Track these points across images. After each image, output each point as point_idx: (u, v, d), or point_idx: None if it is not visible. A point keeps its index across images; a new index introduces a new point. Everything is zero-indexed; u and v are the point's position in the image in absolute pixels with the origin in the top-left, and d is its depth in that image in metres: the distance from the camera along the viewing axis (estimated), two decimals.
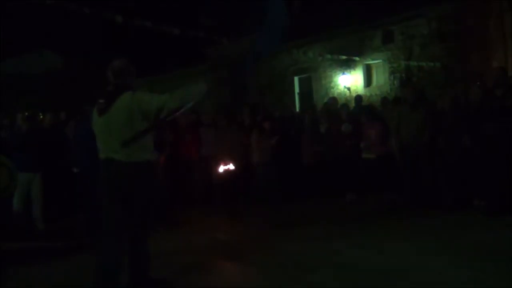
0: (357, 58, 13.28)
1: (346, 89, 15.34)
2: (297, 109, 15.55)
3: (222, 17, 18.27)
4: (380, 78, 14.99)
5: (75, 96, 18.38)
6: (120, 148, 3.33)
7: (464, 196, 6.24)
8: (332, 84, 15.93)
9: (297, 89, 17.48)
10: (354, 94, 13.01)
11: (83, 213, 6.82)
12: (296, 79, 17.41)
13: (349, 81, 15.36)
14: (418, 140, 6.49)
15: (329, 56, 13.71)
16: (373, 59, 14.35)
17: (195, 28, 9.54)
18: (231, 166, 6.97)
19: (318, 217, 6.41)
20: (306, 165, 8.00)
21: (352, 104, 10.52)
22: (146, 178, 3.45)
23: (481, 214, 5.75)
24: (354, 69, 15.16)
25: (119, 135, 3.33)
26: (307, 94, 16.80)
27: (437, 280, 3.62)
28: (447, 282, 3.57)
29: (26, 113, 7.07)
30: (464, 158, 6.19)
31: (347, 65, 14.80)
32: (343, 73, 15.39)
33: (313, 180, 7.79)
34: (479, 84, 7.15)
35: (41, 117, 7.69)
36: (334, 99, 9.74)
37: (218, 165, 7.02)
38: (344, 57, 13.06)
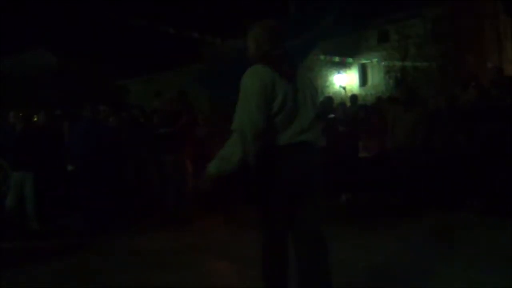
0: (350, 60, 13.31)
1: (341, 89, 15.37)
2: None
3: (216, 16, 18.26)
4: (376, 77, 15.03)
5: (69, 94, 18.33)
6: (313, 127, 2.61)
7: (458, 196, 6.25)
8: (328, 83, 15.96)
9: None
10: (349, 94, 13.04)
11: (79, 211, 6.81)
12: None
13: (345, 81, 15.40)
14: (413, 139, 6.50)
15: (322, 57, 13.74)
16: (368, 59, 14.38)
17: (190, 28, 9.52)
18: None
19: None
20: None
21: (348, 104, 10.53)
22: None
23: (475, 214, 5.77)
24: (350, 69, 15.20)
25: (311, 110, 2.62)
26: None
27: (433, 279, 3.62)
28: (443, 281, 3.57)
29: (20, 114, 7.04)
30: (458, 158, 6.21)
31: (343, 64, 14.83)
32: (339, 72, 15.43)
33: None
34: (474, 84, 7.17)
35: (35, 117, 7.65)
36: (329, 98, 9.73)
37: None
38: (337, 58, 13.08)
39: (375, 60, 14.21)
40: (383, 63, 14.15)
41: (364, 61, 14.48)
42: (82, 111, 6.79)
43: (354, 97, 9.89)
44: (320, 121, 2.70)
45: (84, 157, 6.26)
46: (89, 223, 6.21)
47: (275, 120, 2.52)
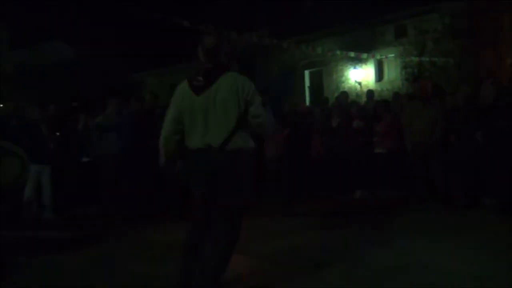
0: (364, 56, 13.14)
1: (357, 84, 15.25)
2: (308, 103, 15.49)
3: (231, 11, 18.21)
4: (392, 73, 14.89)
5: (86, 87, 18.47)
6: (218, 133, 2.98)
7: (475, 194, 6.18)
8: (343, 79, 15.85)
9: (307, 83, 17.41)
10: (365, 89, 12.92)
11: (96, 203, 6.91)
12: (306, 73, 17.35)
13: (360, 76, 15.27)
14: (430, 136, 6.42)
15: (338, 52, 13.59)
16: (384, 54, 14.21)
17: (205, 21, 9.51)
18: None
19: (329, 212, 6.38)
20: (316, 159, 7.96)
21: (363, 99, 10.45)
22: (242, 167, 3.09)
23: (492, 213, 5.70)
24: (366, 64, 15.05)
25: (220, 117, 2.98)
26: (317, 88, 16.73)
27: (447, 278, 3.58)
28: (458, 280, 3.53)
29: (38, 107, 7.12)
30: (476, 155, 6.13)
31: (359, 59, 14.70)
32: (354, 68, 15.30)
33: (324, 175, 7.75)
34: (492, 80, 7.07)
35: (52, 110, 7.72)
36: (345, 94, 9.67)
37: None
38: (352, 54, 12.94)
39: (391, 55, 14.04)
40: (400, 58, 13.98)
41: (380, 57, 14.31)
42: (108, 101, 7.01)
43: (370, 93, 9.82)
44: (241, 128, 3.02)
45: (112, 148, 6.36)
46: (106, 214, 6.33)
47: (185, 125, 3.08)
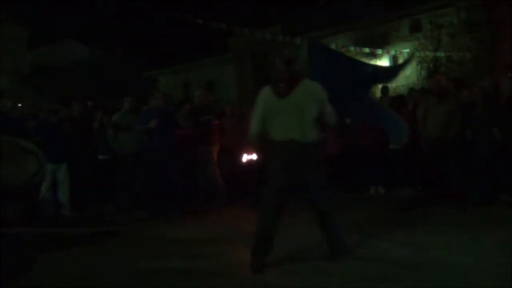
0: (379, 51, 12.98)
1: None
2: None
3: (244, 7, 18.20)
4: (407, 68, 14.71)
5: (101, 86, 18.64)
6: (299, 129, 3.74)
7: (491, 191, 6.09)
8: None
9: None
10: (379, 85, 12.78)
11: (111, 200, 6.97)
12: None
13: None
14: (445, 132, 6.35)
15: (352, 48, 13.48)
16: (399, 49, 14.06)
17: (218, 18, 9.54)
18: (254, 156, 6.97)
19: (342, 209, 6.35)
20: (330, 156, 7.91)
21: (378, 95, 10.34)
22: (318, 156, 3.87)
23: (509, 210, 5.62)
24: (380, 59, 14.92)
25: (301, 117, 3.74)
26: None
27: (462, 275, 3.55)
28: (473, 277, 3.50)
29: (57, 107, 7.19)
30: (492, 151, 6.04)
31: (373, 55, 14.57)
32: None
33: (338, 172, 7.70)
34: (510, 75, 6.97)
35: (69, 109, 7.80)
36: None
37: (241, 155, 7.04)
38: (366, 49, 12.78)
39: (406, 50, 13.88)
40: (415, 53, 13.81)
41: (395, 52, 14.15)
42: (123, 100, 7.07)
43: (385, 88, 9.71)
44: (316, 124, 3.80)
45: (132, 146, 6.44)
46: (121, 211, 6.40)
47: (269, 122, 3.84)
